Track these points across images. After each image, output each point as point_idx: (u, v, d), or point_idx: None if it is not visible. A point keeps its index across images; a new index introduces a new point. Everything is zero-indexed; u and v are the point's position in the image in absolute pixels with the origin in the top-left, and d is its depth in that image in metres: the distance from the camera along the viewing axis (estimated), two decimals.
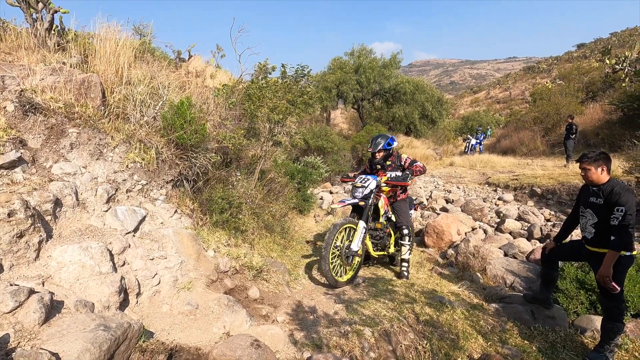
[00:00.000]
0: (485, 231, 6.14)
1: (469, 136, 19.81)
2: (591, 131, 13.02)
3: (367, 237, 4.04)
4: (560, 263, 3.40)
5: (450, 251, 5.07)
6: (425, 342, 2.68)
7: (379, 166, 4.34)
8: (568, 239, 3.31)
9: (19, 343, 1.60)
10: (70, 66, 3.72)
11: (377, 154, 4.32)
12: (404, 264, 4.25)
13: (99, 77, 3.45)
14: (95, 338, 1.64)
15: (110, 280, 2.25)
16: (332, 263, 3.64)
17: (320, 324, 2.79)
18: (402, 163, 4.29)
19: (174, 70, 5.45)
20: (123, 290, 2.30)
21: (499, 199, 8.51)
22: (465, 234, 5.79)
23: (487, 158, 14.32)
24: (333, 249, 3.64)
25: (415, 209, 4.79)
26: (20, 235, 2.13)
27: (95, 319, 1.78)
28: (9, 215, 2.09)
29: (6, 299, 1.70)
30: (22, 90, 3.03)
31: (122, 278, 2.33)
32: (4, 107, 2.85)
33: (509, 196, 8.45)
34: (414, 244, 4.83)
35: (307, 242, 5.59)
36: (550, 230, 5.65)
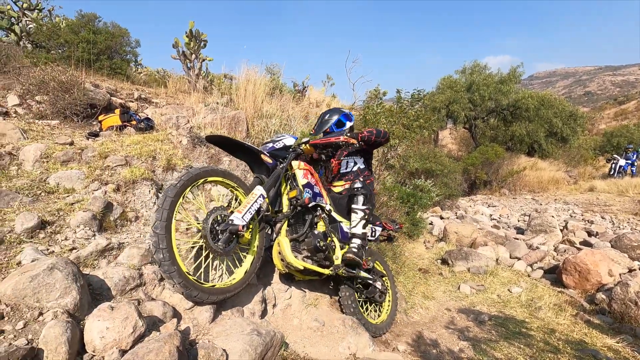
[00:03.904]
0: None
1: (615, 155, 16.53)
2: None
3: (284, 229, 2.59)
4: None
5: (601, 295, 4.24)
6: None
7: (323, 156, 2.96)
8: None
9: (196, 336, 1.96)
10: (222, 105, 4.51)
11: None
12: (354, 241, 2.86)
13: (244, 114, 4.09)
14: (251, 341, 1.90)
15: (255, 290, 2.58)
16: (179, 246, 2.05)
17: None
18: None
19: (298, 102, 6.08)
20: (264, 301, 2.61)
21: None
22: (620, 275, 4.77)
23: None
24: (179, 215, 1.98)
25: (384, 228, 3.30)
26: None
27: (249, 324, 2.06)
28: (187, 228, 2.61)
29: None
30: (191, 127, 3.80)
31: (263, 289, 2.65)
32: (180, 141, 3.60)
33: None
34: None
35: (420, 269, 5.38)
36: None
